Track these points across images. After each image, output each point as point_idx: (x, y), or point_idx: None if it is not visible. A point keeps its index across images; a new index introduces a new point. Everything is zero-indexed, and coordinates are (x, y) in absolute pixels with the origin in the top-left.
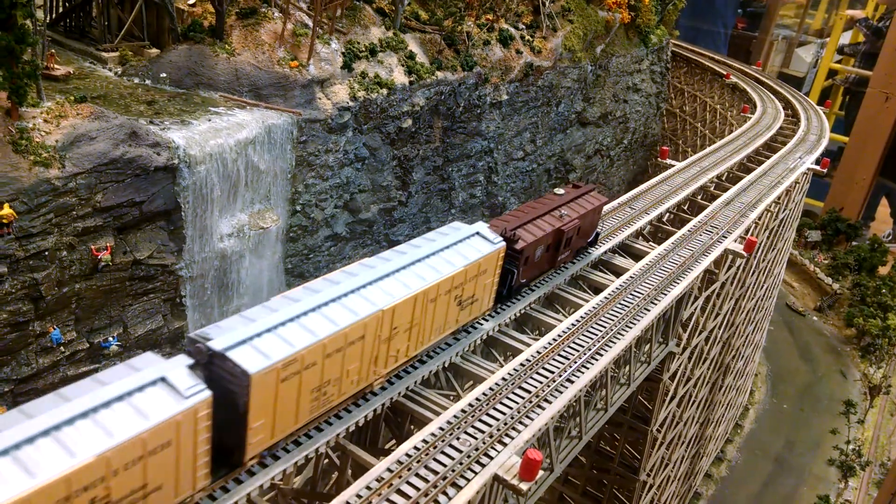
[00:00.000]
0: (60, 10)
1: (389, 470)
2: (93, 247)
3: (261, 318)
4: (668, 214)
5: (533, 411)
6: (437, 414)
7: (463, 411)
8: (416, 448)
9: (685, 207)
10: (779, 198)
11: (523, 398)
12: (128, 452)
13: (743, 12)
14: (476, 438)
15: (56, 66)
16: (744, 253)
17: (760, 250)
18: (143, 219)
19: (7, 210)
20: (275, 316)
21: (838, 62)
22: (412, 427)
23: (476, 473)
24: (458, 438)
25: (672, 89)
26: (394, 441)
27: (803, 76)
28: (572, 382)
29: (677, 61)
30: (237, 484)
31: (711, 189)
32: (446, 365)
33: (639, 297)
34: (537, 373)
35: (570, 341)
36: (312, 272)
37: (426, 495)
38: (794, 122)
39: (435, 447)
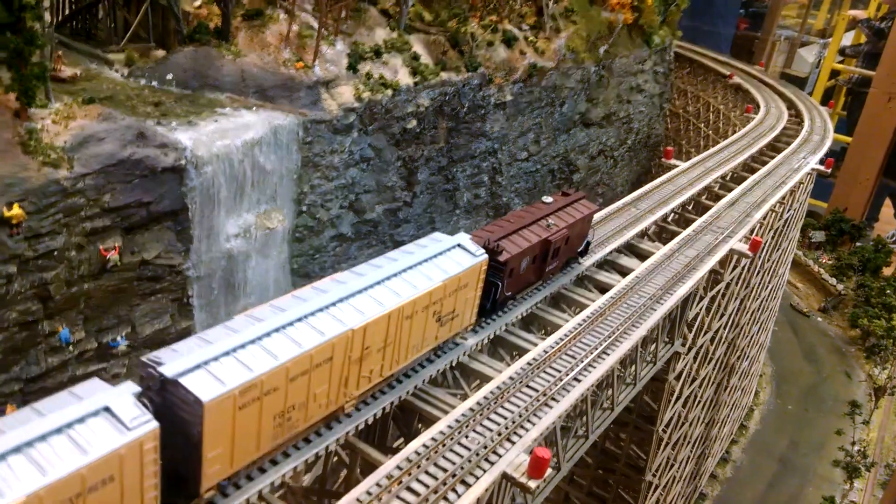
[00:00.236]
0: (67, 12)
1: (399, 468)
2: (101, 247)
3: (220, 339)
4: (672, 215)
5: (540, 410)
6: (446, 412)
7: (471, 409)
8: (424, 446)
9: (690, 208)
10: (783, 198)
11: (531, 397)
12: (64, 490)
13: (745, 13)
14: (484, 437)
15: (63, 67)
16: (749, 253)
17: (765, 251)
18: (150, 219)
19: (17, 210)
20: (234, 338)
21: (841, 62)
22: (420, 426)
23: (485, 471)
24: (466, 437)
25: (675, 90)
26: (402, 440)
27: (806, 76)
28: (579, 381)
29: (680, 62)
30: None
31: (716, 189)
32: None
33: (645, 297)
34: (544, 372)
35: (576, 341)
36: (318, 272)
37: (436, 492)
38: (798, 123)
39: (444, 445)
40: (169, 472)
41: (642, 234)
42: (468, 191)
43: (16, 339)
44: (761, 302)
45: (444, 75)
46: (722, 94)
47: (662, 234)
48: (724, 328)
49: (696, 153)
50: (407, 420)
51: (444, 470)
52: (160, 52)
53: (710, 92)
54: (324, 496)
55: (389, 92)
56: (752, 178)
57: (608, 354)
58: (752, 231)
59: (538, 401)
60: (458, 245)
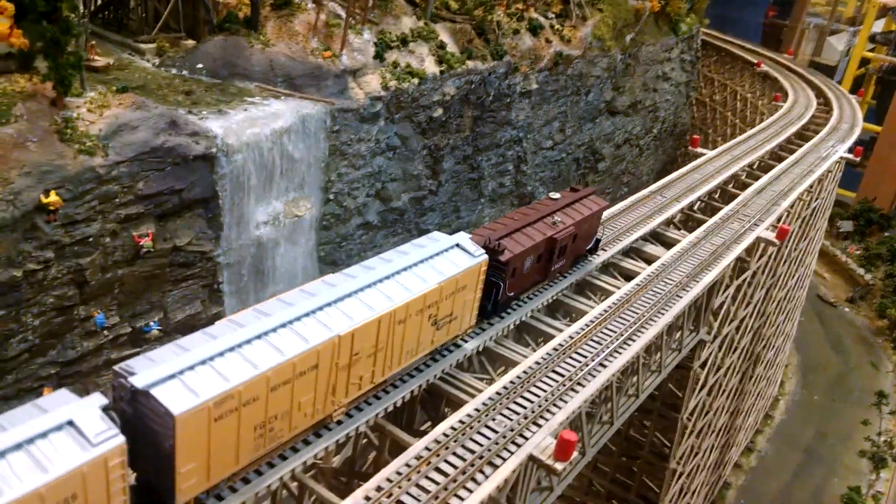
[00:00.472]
0: (99, 2)
1: (427, 449)
2: (134, 233)
3: (197, 347)
4: (699, 203)
5: (566, 394)
6: (473, 396)
7: (498, 394)
8: (452, 428)
9: (716, 196)
10: (811, 186)
11: (557, 381)
12: None
13: (774, 0)
14: (511, 420)
15: (96, 57)
16: (776, 241)
17: (792, 240)
18: (182, 206)
19: (54, 197)
20: (212, 345)
21: (871, 51)
22: (447, 409)
23: (511, 453)
24: (493, 419)
25: (702, 78)
26: (429, 423)
27: (835, 65)
28: (605, 367)
29: (707, 50)
30: None
31: (743, 178)
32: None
33: (670, 285)
34: (570, 357)
35: (602, 327)
36: (345, 260)
37: (463, 473)
38: (827, 111)
39: (471, 427)
40: (143, 486)
41: (668, 223)
42: (493, 179)
43: (53, 323)
44: (788, 291)
45: (469, 64)
46: (749, 82)
47: (689, 222)
48: (750, 317)
49: (722, 142)
50: (434, 404)
51: (472, 451)
52: (190, 42)
53: (737, 80)
54: (353, 477)
55: (416, 80)
56: (779, 167)
57: (633, 341)
58: (779, 219)
59: (564, 385)
60: (457, 245)
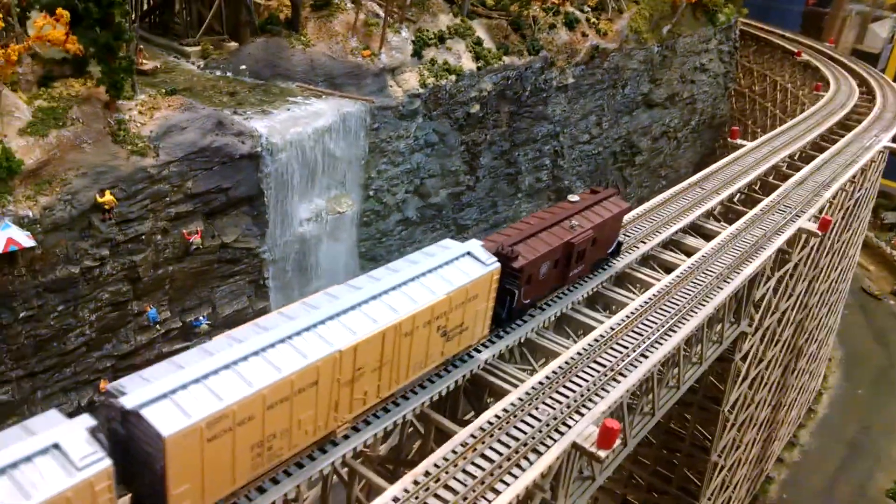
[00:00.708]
0: (145, 7)
1: (473, 436)
2: (184, 231)
3: (192, 364)
4: (739, 195)
5: (608, 384)
6: (515, 386)
7: (540, 383)
8: (497, 416)
9: (757, 188)
10: (854, 177)
11: (598, 372)
12: None
13: None
14: (554, 409)
15: (144, 61)
16: (818, 232)
17: (834, 231)
18: (229, 204)
19: (109, 197)
20: (207, 363)
21: None
22: (490, 399)
23: (555, 441)
24: (536, 408)
25: (741, 69)
26: (472, 413)
27: (878, 52)
28: (646, 357)
29: (746, 40)
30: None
31: (784, 169)
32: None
33: (710, 277)
34: (611, 348)
35: (642, 319)
36: (385, 256)
37: (508, 460)
38: (870, 100)
39: (515, 416)
40: None
41: (708, 215)
42: (530, 174)
43: (108, 318)
44: (830, 284)
45: (506, 59)
46: (790, 72)
47: (728, 214)
48: (792, 309)
49: (762, 133)
50: (478, 394)
51: (516, 439)
52: (233, 44)
53: (777, 70)
54: (399, 465)
55: (453, 77)
56: (821, 157)
57: (674, 332)
58: (821, 211)
59: (606, 375)
60: (468, 253)
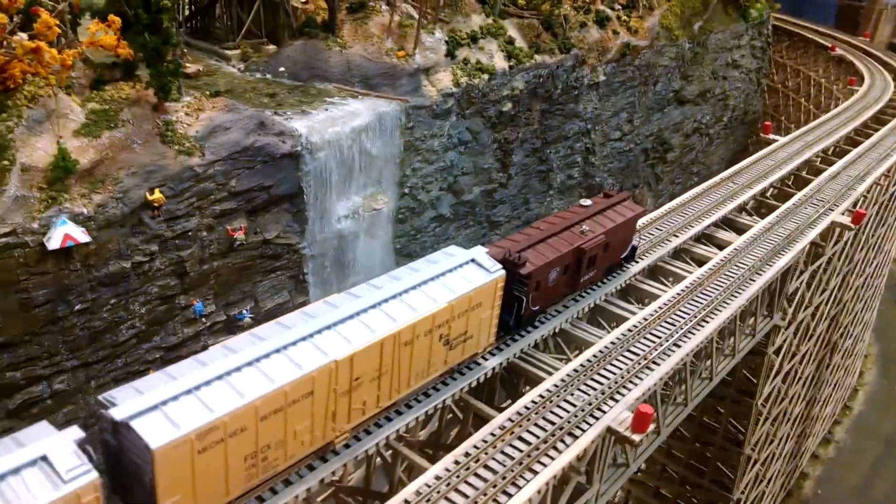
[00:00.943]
0: (187, 12)
1: (510, 420)
2: (228, 227)
3: (185, 375)
4: (771, 189)
5: (642, 372)
6: (550, 374)
7: (575, 371)
8: (533, 402)
9: (789, 182)
10: (888, 171)
11: (632, 360)
12: None
13: None
14: (588, 395)
15: (187, 64)
16: (851, 225)
17: (869, 225)
18: (270, 202)
19: (158, 195)
20: (200, 374)
21: None
22: (526, 388)
23: (590, 425)
24: (571, 395)
25: (774, 64)
26: (508, 401)
27: None
28: (679, 347)
29: (778, 35)
30: None
31: (817, 163)
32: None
33: (743, 269)
34: (644, 338)
35: (675, 309)
36: (419, 252)
37: (545, 442)
38: None
39: (550, 402)
40: None
41: (740, 209)
42: (562, 171)
43: (157, 311)
44: (865, 279)
45: (537, 58)
46: (823, 67)
47: (761, 208)
48: (826, 304)
49: (795, 129)
50: (513, 382)
51: (552, 423)
52: (272, 47)
53: (810, 65)
54: (438, 449)
55: (485, 76)
56: (854, 152)
57: (707, 323)
58: (854, 204)
59: (639, 364)
60: (472, 260)
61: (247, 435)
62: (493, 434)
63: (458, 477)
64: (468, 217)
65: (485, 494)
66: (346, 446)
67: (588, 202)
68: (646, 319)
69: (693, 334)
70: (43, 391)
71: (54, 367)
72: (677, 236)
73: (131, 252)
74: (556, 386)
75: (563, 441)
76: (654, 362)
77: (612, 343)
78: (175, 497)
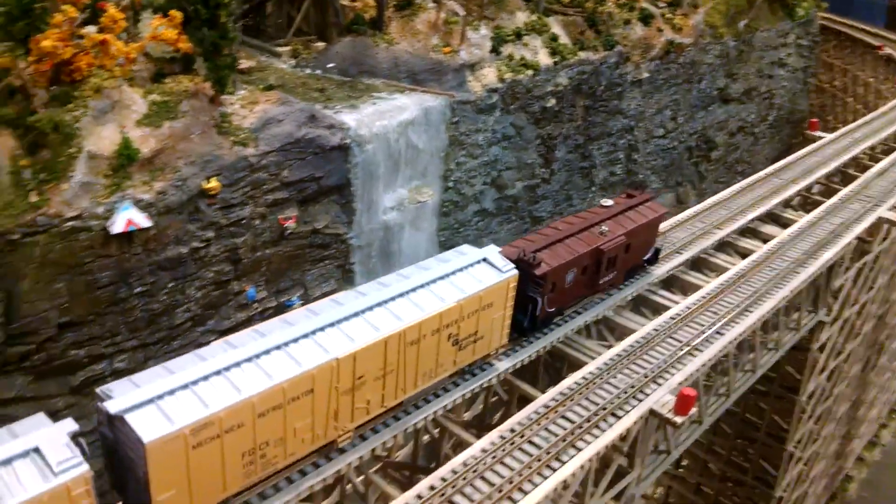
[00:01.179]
0: (239, 10)
1: (554, 399)
2: (280, 216)
3: (184, 370)
4: (817, 186)
5: (685, 358)
6: (593, 359)
7: (618, 355)
8: (576, 383)
9: (836, 179)
10: None
11: (675, 346)
12: None
13: None
14: (631, 378)
15: (241, 60)
16: None
17: None
18: (320, 192)
19: (214, 183)
20: (198, 369)
21: None
22: (569, 372)
23: (633, 407)
24: (614, 377)
25: (821, 64)
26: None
27: None
28: (721, 335)
29: (826, 34)
30: None
31: (864, 160)
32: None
33: (787, 262)
34: (687, 326)
35: (719, 300)
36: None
37: (588, 421)
38: None
39: (593, 384)
40: None
41: (785, 204)
42: (604, 168)
43: (211, 296)
44: None
45: (581, 55)
46: (871, 66)
47: (806, 204)
48: (872, 302)
49: (842, 128)
50: (556, 366)
51: (595, 404)
52: (321, 44)
53: (858, 65)
54: (483, 430)
55: (530, 72)
56: None
57: (750, 313)
58: None
59: (682, 350)
60: (484, 260)
61: (244, 431)
62: (537, 412)
63: (503, 451)
64: (511, 212)
65: (529, 468)
66: (362, 438)
67: (609, 202)
68: (689, 308)
69: (736, 323)
70: (104, 369)
71: (115, 347)
72: (720, 229)
73: (188, 238)
74: (599, 369)
75: (605, 421)
76: (696, 349)
77: (656, 330)
78: (170, 492)
